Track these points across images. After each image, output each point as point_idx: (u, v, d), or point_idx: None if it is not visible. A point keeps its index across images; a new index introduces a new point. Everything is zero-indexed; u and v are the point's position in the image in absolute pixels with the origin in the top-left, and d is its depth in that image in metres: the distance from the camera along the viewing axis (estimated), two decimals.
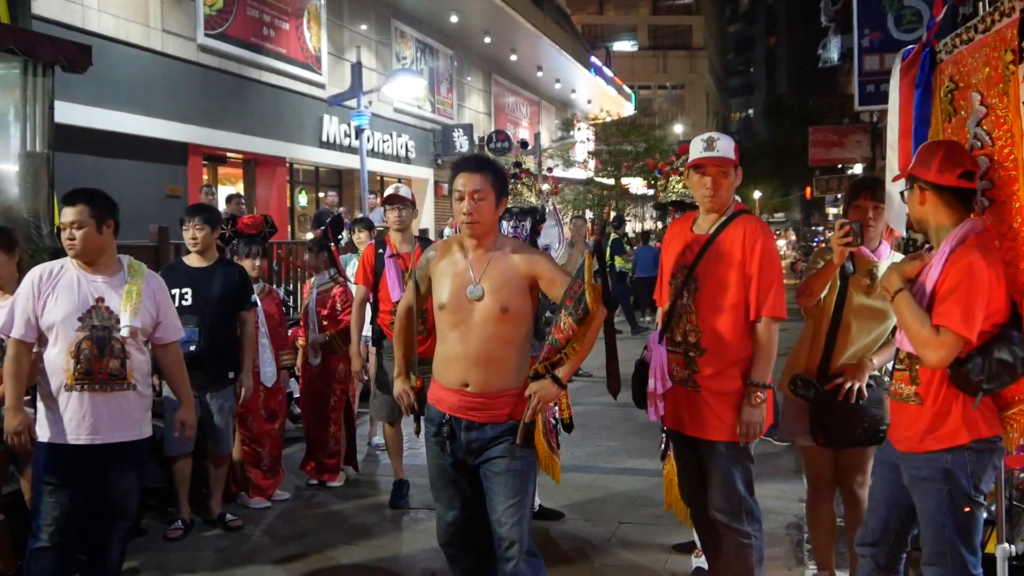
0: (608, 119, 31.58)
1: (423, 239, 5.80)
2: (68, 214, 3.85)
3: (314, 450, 6.28)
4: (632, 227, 28.97)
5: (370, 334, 5.90)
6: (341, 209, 13.15)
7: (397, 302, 5.35)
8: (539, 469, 3.73)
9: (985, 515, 4.13)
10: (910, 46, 3.79)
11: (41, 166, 6.03)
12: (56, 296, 3.80)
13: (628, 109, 36.41)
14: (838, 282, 3.85)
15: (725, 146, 3.67)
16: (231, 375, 5.34)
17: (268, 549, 5.05)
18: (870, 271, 3.84)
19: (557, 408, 4.92)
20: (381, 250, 5.70)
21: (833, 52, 25.21)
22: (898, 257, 3.94)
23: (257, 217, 6.08)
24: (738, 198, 3.83)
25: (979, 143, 3.15)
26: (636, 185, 31.70)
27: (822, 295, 3.89)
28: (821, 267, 3.82)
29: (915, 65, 3.65)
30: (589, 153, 31.35)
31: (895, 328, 3.81)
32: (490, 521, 3.41)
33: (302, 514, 5.69)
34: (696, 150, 3.70)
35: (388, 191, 5.79)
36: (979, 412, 2.99)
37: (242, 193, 14.27)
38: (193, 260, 5.35)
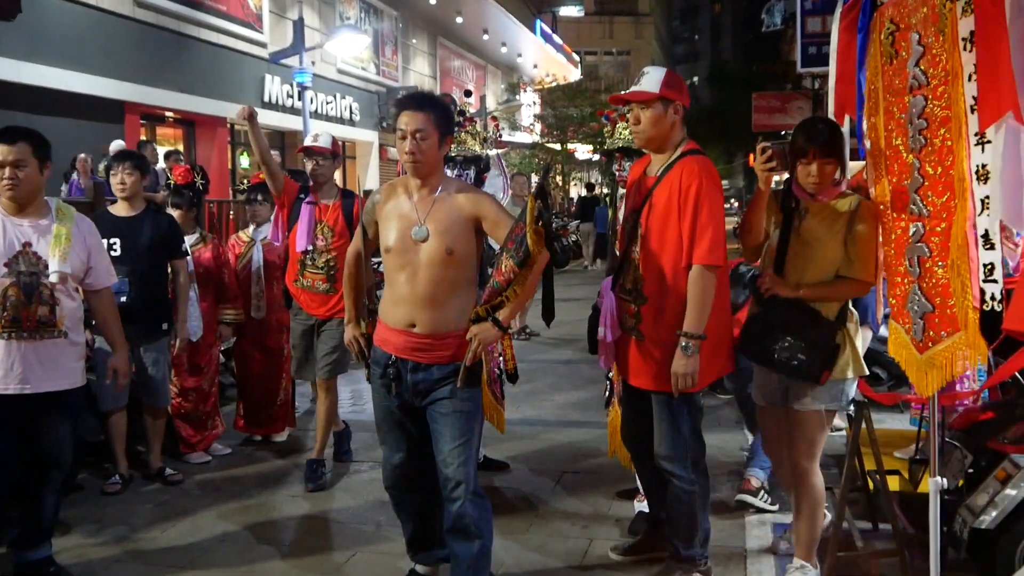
0: (554, 84, 31.53)
1: (345, 191, 5.52)
2: (8, 152, 3.69)
3: (253, 405, 6.17)
4: (577, 191, 29.10)
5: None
6: None
7: (302, 252, 5.20)
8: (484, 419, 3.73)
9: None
10: None
11: None
12: None
13: (574, 74, 36.37)
14: (779, 217, 3.68)
15: (649, 80, 3.57)
16: (164, 326, 5.23)
17: (209, 503, 4.98)
18: (800, 212, 3.63)
19: (502, 359, 4.92)
20: (303, 195, 5.34)
21: (776, 16, 25.42)
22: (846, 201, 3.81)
23: (186, 168, 5.95)
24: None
25: (917, 83, 3.18)
26: (582, 151, 31.74)
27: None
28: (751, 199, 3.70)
29: (855, 8, 3.67)
30: (535, 116, 31.28)
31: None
32: (436, 462, 3.40)
33: (244, 468, 5.62)
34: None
35: (306, 141, 5.45)
36: None
37: (181, 150, 13.98)
38: (120, 209, 5.19)
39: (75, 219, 3.90)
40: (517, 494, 5.09)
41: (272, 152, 6.92)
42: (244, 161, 17.26)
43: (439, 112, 3.41)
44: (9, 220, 3.74)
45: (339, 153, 5.47)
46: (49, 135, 3.97)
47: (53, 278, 3.72)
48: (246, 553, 4.32)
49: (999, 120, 2.66)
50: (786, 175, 3.70)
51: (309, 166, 5.30)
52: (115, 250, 4.91)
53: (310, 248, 5.21)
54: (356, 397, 7.46)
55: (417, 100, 3.44)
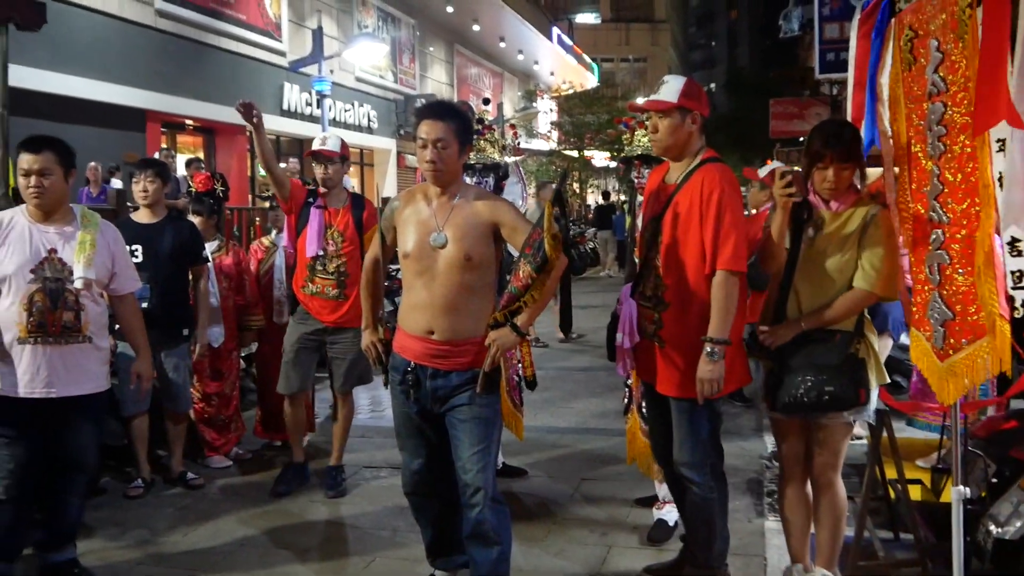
0: (571, 91, 31.56)
1: (355, 195, 5.45)
2: (34, 161, 3.75)
3: (273, 410, 6.17)
4: (594, 199, 29.13)
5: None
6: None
7: (312, 258, 5.11)
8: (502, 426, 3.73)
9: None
10: None
11: None
12: (8, 248, 3.73)
13: (591, 81, 36.41)
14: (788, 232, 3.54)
15: (667, 89, 3.58)
16: (185, 332, 5.28)
17: (230, 508, 5.02)
18: (815, 222, 3.52)
19: (520, 366, 4.93)
20: (311, 199, 5.21)
21: (794, 22, 25.35)
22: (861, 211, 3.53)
23: (206, 175, 6.00)
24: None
25: (936, 89, 3.17)
26: (599, 158, 31.74)
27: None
28: (770, 225, 3.57)
29: (873, 15, 3.67)
30: (552, 123, 31.32)
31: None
32: (455, 468, 3.41)
33: (264, 474, 5.65)
34: None
35: (314, 144, 5.31)
36: None
37: (202, 158, 14.09)
38: (142, 216, 5.26)
39: (99, 226, 3.94)
40: (536, 501, 5.10)
41: (291, 160, 6.72)
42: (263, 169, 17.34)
43: (459, 121, 3.44)
44: (35, 227, 3.79)
45: (347, 156, 5.38)
46: (72, 143, 4.02)
47: (78, 284, 3.77)
48: (266, 558, 4.35)
49: (993, 126, 2.67)
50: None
51: (318, 170, 5.20)
52: (137, 256, 4.95)
53: (320, 253, 5.12)
54: (375, 403, 7.48)
55: (437, 109, 3.46)
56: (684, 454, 3.65)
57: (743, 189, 6.04)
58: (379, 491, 5.28)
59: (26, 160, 3.76)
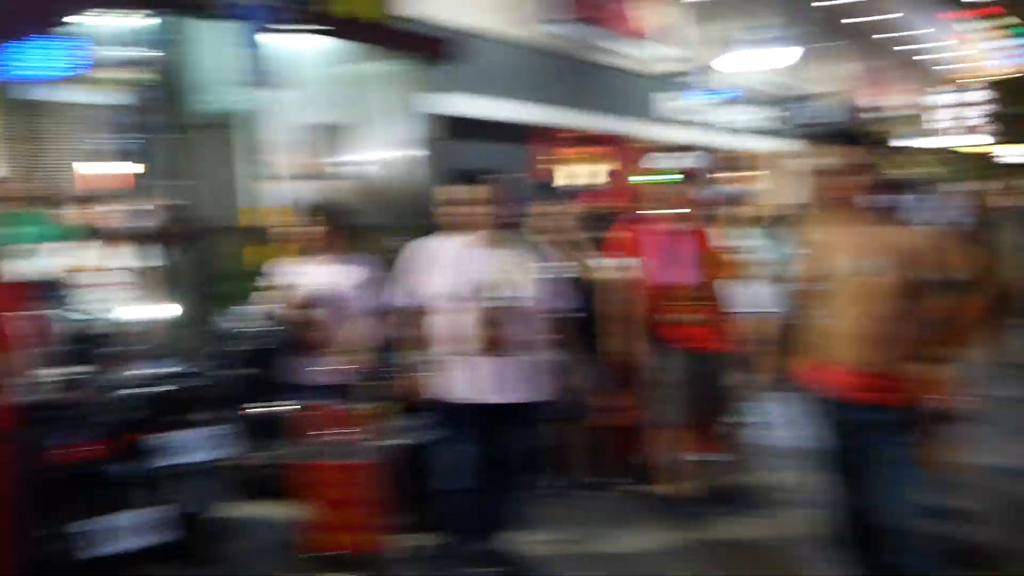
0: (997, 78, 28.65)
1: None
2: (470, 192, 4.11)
3: None
4: None
5: None
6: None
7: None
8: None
9: None
10: None
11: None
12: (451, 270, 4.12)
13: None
14: None
15: None
16: None
17: (663, 517, 5.11)
18: None
19: (948, 396, 4.59)
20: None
21: None
22: None
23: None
24: None
25: None
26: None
27: None
28: None
29: None
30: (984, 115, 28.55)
31: None
32: (871, 509, 3.34)
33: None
34: None
35: (686, 162, 5.42)
36: None
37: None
38: None
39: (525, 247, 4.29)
40: (964, 548, 4.40)
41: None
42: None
43: (855, 143, 3.37)
44: (475, 251, 4.15)
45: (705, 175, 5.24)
46: (490, 161, 4.38)
47: (514, 303, 4.04)
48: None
49: None
50: None
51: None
52: None
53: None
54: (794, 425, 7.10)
55: (833, 134, 3.42)
56: None
57: None
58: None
59: (459, 190, 4.14)
